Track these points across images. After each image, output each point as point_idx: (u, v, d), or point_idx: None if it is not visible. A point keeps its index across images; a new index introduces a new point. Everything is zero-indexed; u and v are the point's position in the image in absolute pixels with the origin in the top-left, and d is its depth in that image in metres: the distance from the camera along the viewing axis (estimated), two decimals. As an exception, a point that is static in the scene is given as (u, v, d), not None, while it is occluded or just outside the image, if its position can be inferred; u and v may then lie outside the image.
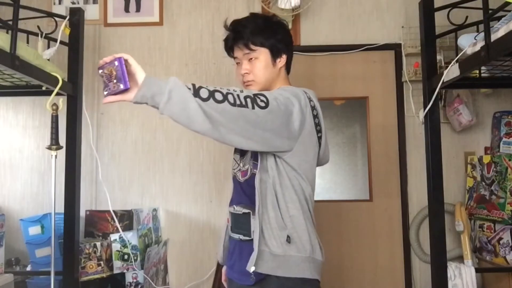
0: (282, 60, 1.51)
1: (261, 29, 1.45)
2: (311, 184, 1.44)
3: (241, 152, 1.48)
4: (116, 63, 1.07)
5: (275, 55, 1.48)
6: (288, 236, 1.34)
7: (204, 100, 1.13)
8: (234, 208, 1.44)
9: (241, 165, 1.47)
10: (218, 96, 1.15)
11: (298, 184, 1.38)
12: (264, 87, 1.47)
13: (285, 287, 1.33)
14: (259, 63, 1.45)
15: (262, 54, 1.45)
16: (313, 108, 1.39)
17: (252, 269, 1.30)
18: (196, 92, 1.13)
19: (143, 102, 1.12)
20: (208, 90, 1.15)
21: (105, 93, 1.11)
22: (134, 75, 1.12)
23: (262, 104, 1.22)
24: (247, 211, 1.38)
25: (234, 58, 1.51)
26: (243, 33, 1.44)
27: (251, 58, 1.45)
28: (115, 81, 1.08)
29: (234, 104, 1.16)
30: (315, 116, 1.40)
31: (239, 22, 1.49)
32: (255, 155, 1.40)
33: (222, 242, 1.59)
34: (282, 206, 1.35)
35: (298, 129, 1.33)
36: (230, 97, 1.17)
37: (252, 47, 1.44)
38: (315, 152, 1.44)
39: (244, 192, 1.43)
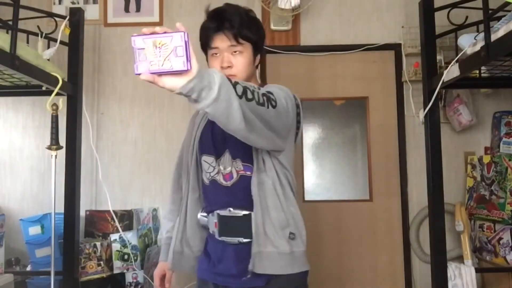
0: (258, 58, 1.45)
1: (248, 23, 1.37)
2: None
3: (217, 154, 1.42)
4: (179, 37, 0.88)
5: (255, 52, 1.42)
6: (291, 233, 1.34)
7: (240, 97, 1.04)
8: (230, 210, 1.38)
9: (221, 167, 1.40)
10: (249, 94, 1.07)
11: (292, 181, 1.40)
12: None
13: (292, 282, 1.34)
14: (243, 59, 1.37)
15: (246, 49, 1.37)
16: (297, 106, 1.37)
17: (272, 272, 1.30)
18: (234, 89, 1.03)
19: (188, 94, 0.96)
20: (242, 87, 1.06)
21: (142, 68, 0.90)
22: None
23: (273, 104, 1.17)
24: (247, 212, 1.36)
25: (213, 48, 1.37)
26: (233, 23, 1.34)
27: (235, 52, 1.36)
28: (167, 57, 0.89)
29: (258, 103, 1.11)
30: (298, 114, 1.38)
31: (224, 10, 1.37)
32: (244, 156, 1.37)
33: (172, 245, 1.54)
34: (284, 205, 1.35)
35: (289, 129, 1.34)
36: (255, 95, 1.10)
37: (240, 40, 1.36)
38: (293, 148, 1.44)
39: (235, 195, 1.39)
